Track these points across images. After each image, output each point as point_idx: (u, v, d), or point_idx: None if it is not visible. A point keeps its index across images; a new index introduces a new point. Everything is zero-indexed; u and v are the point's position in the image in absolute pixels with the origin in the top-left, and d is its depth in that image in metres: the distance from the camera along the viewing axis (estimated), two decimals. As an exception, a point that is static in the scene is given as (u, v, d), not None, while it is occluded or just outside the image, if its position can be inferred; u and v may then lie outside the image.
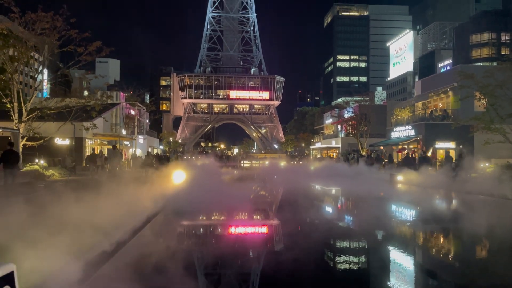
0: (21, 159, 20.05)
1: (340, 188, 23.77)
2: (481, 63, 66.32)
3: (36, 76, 23.79)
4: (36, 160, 23.29)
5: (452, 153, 32.45)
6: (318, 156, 66.86)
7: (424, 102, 37.53)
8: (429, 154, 31.91)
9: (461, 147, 31.32)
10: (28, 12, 20.79)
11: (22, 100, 21.08)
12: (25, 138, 21.23)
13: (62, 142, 29.21)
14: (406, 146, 35.35)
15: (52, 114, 22.05)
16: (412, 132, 34.78)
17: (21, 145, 20.58)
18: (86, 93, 31.13)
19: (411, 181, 22.17)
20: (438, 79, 39.62)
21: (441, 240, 9.75)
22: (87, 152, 32.01)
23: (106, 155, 26.43)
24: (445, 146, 32.82)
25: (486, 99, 24.31)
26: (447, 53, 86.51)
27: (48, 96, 37.28)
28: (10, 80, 20.93)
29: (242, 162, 60.93)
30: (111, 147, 37.59)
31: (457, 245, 9.37)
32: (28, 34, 21.67)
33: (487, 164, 25.27)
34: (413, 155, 30.23)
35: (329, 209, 16.02)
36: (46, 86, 44.45)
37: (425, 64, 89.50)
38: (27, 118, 20.93)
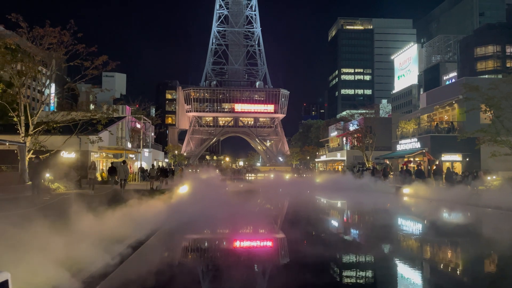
0: (26, 172, 20.20)
1: (346, 201, 23.58)
2: (486, 76, 66.23)
3: (43, 90, 24.05)
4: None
5: (458, 166, 32.24)
6: (322, 169, 66.65)
7: (429, 114, 37.42)
8: (434, 167, 31.69)
9: (467, 159, 31.11)
10: (36, 27, 21.12)
11: (29, 113, 21.28)
12: (31, 152, 21.36)
13: (68, 155, 29.33)
14: (412, 159, 35.15)
15: (58, 127, 22.20)
16: (418, 145, 34.61)
17: (27, 158, 20.70)
18: (92, 106, 31.39)
19: (418, 194, 21.98)
20: (443, 91, 39.58)
21: (451, 255, 9.60)
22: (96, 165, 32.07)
23: (109, 167, 26.48)
24: (451, 158, 32.60)
25: (491, 111, 24.23)
26: (451, 65, 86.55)
27: (55, 109, 37.65)
28: (18, 94, 21.17)
29: (247, 175, 60.80)
30: (116, 160, 37.81)
31: (467, 260, 9.22)
32: (35, 49, 21.97)
33: (494, 177, 25.03)
34: (420, 167, 30.05)
35: (337, 225, 15.86)
36: (53, 100, 44.93)
37: (430, 77, 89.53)
38: (33, 131, 21.08)
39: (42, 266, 5.34)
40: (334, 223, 15.55)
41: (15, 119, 21.23)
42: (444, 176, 26.67)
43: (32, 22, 21.24)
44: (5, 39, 21.74)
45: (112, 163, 30.36)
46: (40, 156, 21.27)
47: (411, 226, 14.31)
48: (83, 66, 21.79)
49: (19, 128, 20.93)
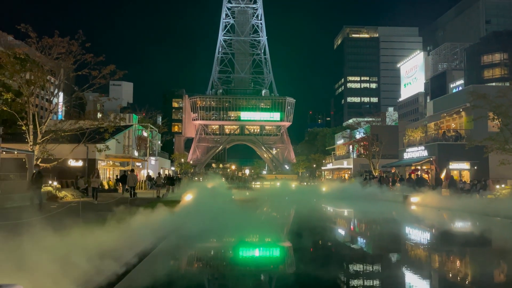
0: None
1: (354, 211, 23.43)
2: (494, 83, 65.86)
3: (51, 99, 24.29)
4: (50, 182, 23.52)
5: (467, 175, 31.94)
6: (329, 177, 66.38)
7: (436, 122, 37.20)
8: (442, 175, 31.44)
9: (475, 167, 30.83)
10: (45, 37, 21.38)
11: (37, 122, 21.46)
12: (39, 160, 21.51)
13: (75, 163, 29.51)
14: (419, 167, 34.91)
15: (66, 136, 22.35)
16: (425, 153, 34.38)
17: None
18: (99, 115, 31.62)
19: (426, 203, 21.80)
20: (450, 99, 39.38)
21: (465, 267, 9.47)
22: (100, 173, 32.23)
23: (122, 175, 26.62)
24: (459, 167, 32.31)
25: (499, 119, 24.05)
26: (458, 73, 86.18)
27: (63, 118, 37.98)
28: (26, 103, 21.39)
29: (253, 183, 60.69)
30: (122, 168, 38.01)
31: (481, 272, 9.09)
32: (44, 59, 22.23)
33: (502, 186, 24.76)
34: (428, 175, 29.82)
35: (349, 239, 15.75)
36: (61, 108, 45.34)
37: (436, 85, 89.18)
38: (42, 140, 21.25)
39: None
40: (346, 236, 15.43)
41: (23, 127, 21.42)
42: (447, 183, 26.54)
43: (41, 31, 21.53)
44: (14, 49, 22.04)
45: (124, 171, 30.71)
46: (41, 164, 21.44)
47: (421, 237, 14.17)
48: (91, 75, 21.98)
49: (27, 136, 21.11)
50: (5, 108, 22.28)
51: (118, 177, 31.36)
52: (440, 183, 27.62)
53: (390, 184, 31.56)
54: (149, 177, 36.03)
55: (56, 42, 21.30)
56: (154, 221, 10.56)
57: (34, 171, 15.42)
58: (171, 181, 30.79)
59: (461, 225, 16.93)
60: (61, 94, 35.33)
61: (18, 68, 21.02)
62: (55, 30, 21.56)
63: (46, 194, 19.66)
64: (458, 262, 9.60)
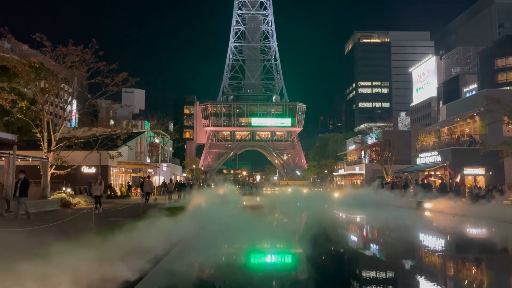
0: (48, 187, 20.58)
1: (367, 218, 23.20)
2: (508, 87, 64.88)
3: (65, 106, 24.64)
4: (64, 188, 23.80)
5: (481, 180, 31.42)
6: (341, 183, 65.91)
7: (449, 127, 36.73)
8: (457, 180, 30.98)
9: (490, 173, 30.32)
10: (59, 46, 21.74)
11: (51, 130, 21.77)
12: (54, 167, 21.79)
13: (88, 170, 29.82)
14: (432, 173, 34.44)
15: (79, 143, 22.63)
16: (439, 158, 33.93)
17: (49, 173, 21.11)
18: (112, 122, 31.94)
19: (441, 209, 21.48)
20: (463, 103, 38.87)
21: (481, 274, 9.29)
22: (112, 180, 32.56)
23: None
24: (474, 172, 31.80)
25: (515, 124, 23.65)
26: (471, 77, 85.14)
27: (76, 125, 38.48)
28: (41, 111, 21.73)
29: (264, 189, 60.58)
30: (134, 175, 38.29)
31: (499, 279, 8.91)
32: (58, 67, 22.59)
33: (519, 191, 24.26)
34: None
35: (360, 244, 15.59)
36: (74, 116, 45.98)
37: (449, 89, 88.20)
38: (56, 147, 21.54)
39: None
40: (358, 244, 15.27)
41: (38, 135, 21.74)
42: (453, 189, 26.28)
43: (54, 40, 21.88)
44: (29, 58, 22.44)
45: (143, 178, 31.52)
46: (56, 171, 21.66)
47: (436, 245, 13.95)
48: (104, 83, 22.26)
49: (41, 144, 21.42)
50: (20, 116, 22.68)
51: (138, 183, 31.97)
52: (458, 189, 27.21)
53: (402, 190, 31.19)
54: (164, 184, 36.29)
55: (70, 51, 21.64)
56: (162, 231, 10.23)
57: (20, 178, 14.19)
58: (181, 187, 31.02)
59: (476, 232, 16.63)
60: (74, 102, 35.78)
61: (33, 76, 21.41)
62: (69, 39, 21.94)
63: (60, 200, 19.90)
64: (477, 269, 9.42)
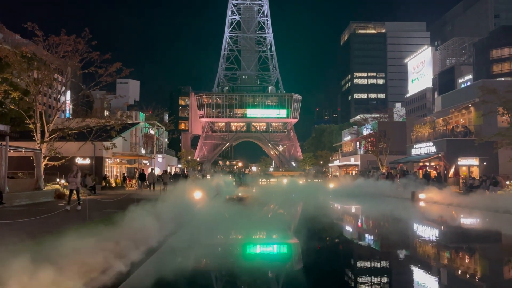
0: (42, 178, 20.42)
1: (362, 208, 23.28)
2: (503, 78, 65.01)
3: (58, 97, 24.37)
4: (58, 180, 23.63)
5: (476, 171, 31.59)
6: (336, 174, 66.10)
7: (445, 118, 36.79)
8: (452, 171, 31.14)
9: (485, 163, 30.48)
10: (51, 35, 21.39)
11: (44, 121, 21.53)
12: (47, 158, 21.60)
13: (82, 161, 29.64)
14: (427, 163, 34.56)
15: (73, 134, 22.41)
16: (433, 149, 34.04)
17: (43, 165, 20.92)
18: (106, 113, 31.69)
19: (435, 200, 21.58)
20: (458, 94, 38.90)
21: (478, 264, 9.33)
22: (107, 171, 32.43)
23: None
24: (468, 163, 31.95)
25: (509, 115, 23.74)
26: (467, 68, 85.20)
27: (71, 116, 38.15)
28: (34, 101, 21.46)
29: (260, 180, 60.63)
30: (130, 166, 38.15)
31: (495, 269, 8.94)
32: (51, 57, 22.25)
33: (513, 182, 24.44)
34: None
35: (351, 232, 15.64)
36: (68, 107, 45.57)
37: (444, 80, 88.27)
38: (49, 138, 21.32)
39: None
40: (353, 233, 15.31)
41: (31, 126, 21.50)
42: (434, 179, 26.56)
43: (48, 30, 21.54)
44: (21, 47, 22.10)
45: (141, 170, 33.04)
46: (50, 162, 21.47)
47: (428, 234, 14.01)
48: (98, 73, 22.00)
49: (35, 135, 21.20)
50: (12, 107, 22.42)
51: (137, 175, 32.88)
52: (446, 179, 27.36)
53: (398, 180, 31.29)
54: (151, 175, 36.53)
55: (62, 40, 21.30)
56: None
57: None
58: (178, 178, 31.16)
59: (470, 222, 16.73)
60: (68, 93, 35.46)
61: (26, 66, 21.08)
62: (62, 28, 21.59)
63: (54, 192, 19.76)
64: (471, 259, 9.45)
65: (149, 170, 29.11)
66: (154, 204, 11.62)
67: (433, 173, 31.17)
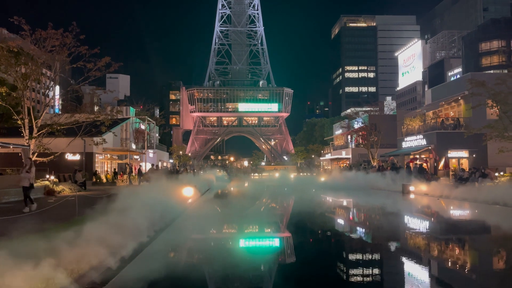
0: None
1: (353, 201, 23.41)
2: (492, 71, 65.61)
3: (47, 92, 24.06)
4: (47, 176, 23.39)
5: (465, 163, 31.93)
6: (328, 167, 66.38)
7: (435, 111, 37.07)
8: (441, 163, 31.43)
9: (474, 156, 30.81)
10: (38, 29, 21.08)
11: (33, 116, 21.26)
12: (36, 154, 21.35)
13: (72, 157, 29.38)
14: (418, 156, 34.85)
15: (62, 129, 22.17)
16: (424, 142, 34.31)
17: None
18: (96, 108, 31.41)
19: (425, 192, 21.77)
20: (448, 87, 39.19)
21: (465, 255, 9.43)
22: (97, 167, 32.20)
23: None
24: (458, 155, 32.28)
25: (498, 107, 23.96)
26: (456, 61, 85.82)
27: (60, 112, 37.74)
28: (22, 97, 21.16)
29: (252, 174, 60.71)
30: (120, 161, 37.91)
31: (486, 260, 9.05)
32: (39, 52, 21.94)
33: (501, 173, 24.74)
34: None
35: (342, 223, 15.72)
36: (57, 102, 45.05)
37: (434, 73, 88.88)
38: (37, 134, 21.07)
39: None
40: (345, 226, 15.40)
41: (19, 122, 21.22)
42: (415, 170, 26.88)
43: (35, 24, 21.20)
44: (7, 42, 21.73)
45: (128, 164, 33.74)
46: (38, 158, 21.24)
47: (419, 226, 14.14)
48: (86, 68, 21.75)
49: (23, 131, 20.93)
50: (0, 103, 22.06)
51: (125, 169, 33.41)
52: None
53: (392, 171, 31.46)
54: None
55: (49, 35, 21.01)
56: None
57: None
58: (170, 173, 31.12)
59: (459, 214, 16.91)
60: (57, 88, 35.01)
61: (13, 61, 20.75)
62: (49, 22, 21.27)
63: (43, 188, 19.56)
64: (460, 250, 9.56)
65: (149, 165, 28.82)
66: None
67: (424, 165, 31.47)
